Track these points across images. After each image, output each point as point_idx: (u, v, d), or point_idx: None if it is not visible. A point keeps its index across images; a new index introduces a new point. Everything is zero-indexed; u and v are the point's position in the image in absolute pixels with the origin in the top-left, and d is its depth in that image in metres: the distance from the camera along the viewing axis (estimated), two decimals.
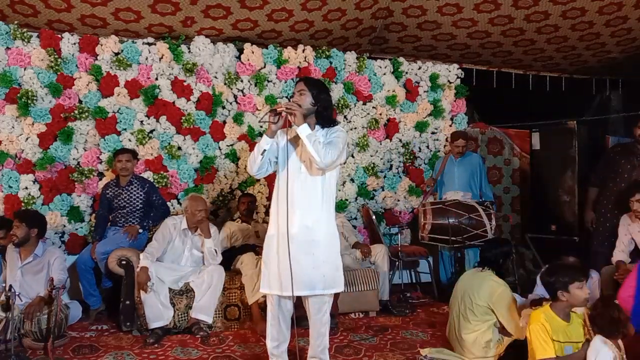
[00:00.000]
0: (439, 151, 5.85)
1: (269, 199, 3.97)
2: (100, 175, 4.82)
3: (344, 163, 5.04)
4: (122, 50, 4.85)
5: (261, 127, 5.16)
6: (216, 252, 4.09)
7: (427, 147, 5.83)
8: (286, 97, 5.24)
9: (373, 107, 5.63)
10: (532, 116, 5.88)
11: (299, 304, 2.90)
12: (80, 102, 4.76)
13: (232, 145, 5.17)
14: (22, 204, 4.52)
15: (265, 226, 3.06)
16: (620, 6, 4.60)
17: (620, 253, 4.10)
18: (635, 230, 4.12)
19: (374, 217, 5.21)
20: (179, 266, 4.10)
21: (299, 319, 3.14)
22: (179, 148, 4.97)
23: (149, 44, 4.95)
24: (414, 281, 5.51)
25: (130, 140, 4.83)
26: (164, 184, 4.87)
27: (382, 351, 3.58)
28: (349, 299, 4.27)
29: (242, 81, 5.19)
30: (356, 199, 5.56)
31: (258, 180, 5.12)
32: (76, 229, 4.74)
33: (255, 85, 5.23)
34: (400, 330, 4.07)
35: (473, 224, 4.69)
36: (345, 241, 4.77)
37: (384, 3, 4.68)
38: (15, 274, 3.75)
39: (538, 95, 6.39)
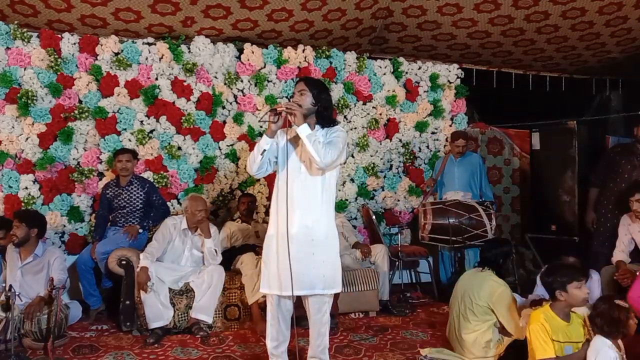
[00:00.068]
0: (439, 151, 5.85)
1: (269, 199, 3.97)
2: (100, 175, 4.82)
3: (344, 163, 5.04)
4: (122, 50, 4.85)
5: (261, 127, 5.16)
6: (216, 252, 4.09)
7: (427, 147, 5.83)
8: (286, 97, 5.24)
9: (373, 107, 5.63)
10: (532, 116, 5.87)
11: (298, 304, 2.90)
12: (80, 102, 4.76)
13: (232, 145, 5.17)
14: (22, 204, 4.52)
15: (265, 226, 3.06)
16: (620, 6, 4.60)
17: (621, 253, 4.10)
18: (636, 230, 4.12)
19: (374, 217, 5.21)
20: (179, 266, 4.10)
21: (299, 319, 3.14)
22: (179, 148, 4.97)
23: (149, 44, 4.95)
24: (414, 281, 5.51)
25: (130, 140, 4.83)
26: (164, 184, 4.87)
27: (382, 351, 3.58)
28: (349, 299, 4.27)
29: (242, 81, 5.19)
30: (356, 199, 5.56)
31: (258, 180, 5.12)
32: (76, 229, 4.74)
33: (255, 85, 5.23)
34: (400, 330, 4.07)
35: (473, 224, 4.69)
36: (345, 241, 4.77)
37: (384, 3, 4.68)
38: (15, 274, 3.75)
39: (538, 95, 6.39)
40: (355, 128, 5.54)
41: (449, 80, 5.93)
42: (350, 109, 5.53)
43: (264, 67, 5.25)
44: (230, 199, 5.16)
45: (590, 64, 6.15)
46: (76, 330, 3.94)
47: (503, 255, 3.55)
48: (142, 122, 4.89)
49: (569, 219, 5.31)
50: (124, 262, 3.96)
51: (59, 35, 4.72)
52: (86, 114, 4.71)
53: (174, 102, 4.96)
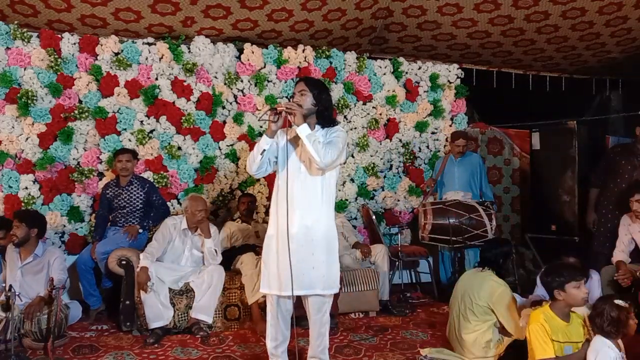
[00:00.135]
0: (439, 151, 5.85)
1: (269, 199, 3.97)
2: (100, 175, 4.82)
3: (344, 163, 5.04)
4: (122, 50, 4.85)
5: (261, 127, 5.16)
6: (216, 252, 4.09)
7: (427, 147, 5.83)
8: (286, 97, 5.24)
9: (373, 107, 5.63)
10: (532, 116, 5.87)
11: (298, 304, 2.90)
12: (80, 102, 4.76)
13: (232, 145, 5.17)
14: (22, 204, 4.52)
15: (265, 226, 3.06)
16: (620, 6, 4.60)
17: (621, 253, 4.09)
18: (636, 230, 4.12)
19: (374, 217, 5.21)
20: (179, 266, 4.10)
21: (299, 319, 3.14)
22: (179, 148, 4.97)
23: (149, 44, 4.95)
24: (414, 281, 5.51)
25: (130, 140, 4.83)
26: (164, 184, 4.87)
27: (382, 351, 3.58)
28: (349, 299, 4.27)
29: (242, 81, 5.19)
30: (356, 199, 5.56)
31: (258, 180, 5.12)
32: (76, 229, 4.74)
33: (255, 85, 5.23)
34: (400, 330, 4.07)
35: (473, 224, 4.69)
36: (345, 241, 4.77)
37: (384, 3, 4.68)
38: (15, 274, 3.75)
39: (538, 95, 6.39)
40: (355, 128, 5.54)
41: (449, 80, 5.93)
42: (350, 109, 5.53)
43: (264, 67, 5.25)
44: (230, 199, 5.16)
45: (590, 64, 6.15)
46: (76, 330, 3.94)
47: (503, 255, 3.55)
48: (142, 122, 4.89)
49: (569, 219, 5.31)
50: (124, 262, 3.96)
51: (59, 35, 4.72)
52: (86, 114, 4.71)
53: (174, 102, 4.96)
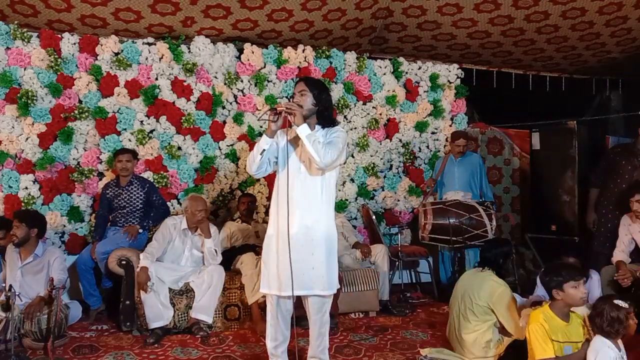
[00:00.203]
0: (439, 151, 5.85)
1: (269, 199, 3.97)
2: (100, 175, 4.82)
3: (344, 163, 5.04)
4: (122, 50, 4.85)
5: (261, 127, 5.16)
6: (216, 252, 4.09)
7: (427, 147, 5.83)
8: (286, 97, 5.24)
9: (373, 107, 5.63)
10: (532, 116, 5.87)
11: (298, 304, 2.90)
12: (80, 102, 4.76)
13: (232, 145, 5.17)
14: (22, 204, 4.52)
15: (265, 226, 3.06)
16: (620, 6, 4.60)
17: (621, 253, 4.09)
18: (636, 230, 4.12)
19: (374, 217, 5.21)
20: (179, 266, 4.10)
21: (299, 319, 3.14)
22: (179, 148, 4.97)
23: (149, 44, 4.95)
24: (414, 281, 5.51)
25: (130, 140, 4.83)
26: (164, 184, 4.87)
27: (382, 351, 3.58)
28: (349, 299, 4.27)
29: (242, 81, 5.19)
30: (356, 199, 5.56)
31: (258, 180, 5.12)
32: (76, 229, 4.74)
33: (255, 85, 5.23)
34: (400, 330, 4.07)
35: (473, 224, 4.69)
36: (345, 241, 4.77)
37: (384, 3, 4.68)
38: (15, 274, 3.75)
39: (538, 95, 6.39)
40: (355, 128, 5.54)
41: (449, 80, 5.93)
42: (350, 109, 5.53)
43: (264, 67, 5.25)
44: (230, 199, 5.16)
45: (590, 64, 6.15)
46: (76, 330, 3.94)
47: (503, 255, 3.55)
48: (142, 122, 4.89)
49: (569, 219, 5.31)
50: (124, 262, 3.96)
51: (59, 35, 4.72)
52: (86, 114, 4.71)
53: (174, 102, 4.96)
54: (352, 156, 5.54)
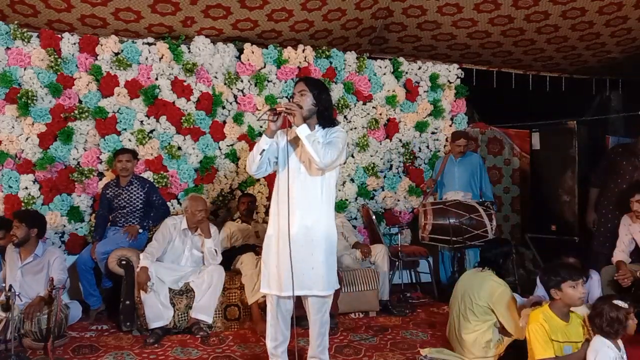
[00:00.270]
0: (439, 151, 5.85)
1: (269, 199, 3.97)
2: (100, 175, 4.82)
3: (344, 163, 5.04)
4: (122, 50, 4.85)
5: (261, 127, 5.16)
6: (216, 252, 4.09)
7: (427, 147, 5.83)
8: (286, 97, 5.24)
9: (373, 107, 5.63)
10: (532, 116, 5.87)
11: (298, 304, 2.90)
12: (80, 102, 4.76)
13: (232, 145, 5.17)
14: (22, 204, 4.52)
15: (265, 226, 3.06)
16: (620, 6, 4.60)
17: (621, 253, 4.09)
18: (636, 230, 4.12)
19: (374, 217, 5.21)
20: (179, 266, 4.10)
21: (299, 319, 3.14)
22: (179, 148, 4.97)
23: (149, 44, 4.95)
24: (414, 281, 5.51)
25: (130, 140, 4.83)
26: (164, 184, 4.87)
27: (382, 351, 3.58)
28: (349, 299, 4.27)
29: (242, 81, 5.19)
30: (356, 199, 5.56)
31: (258, 180, 5.12)
32: (76, 229, 4.74)
33: (255, 85, 5.23)
34: (400, 330, 4.07)
35: (474, 224, 4.69)
36: (345, 241, 4.77)
37: (384, 3, 4.68)
38: (15, 274, 3.75)
39: (538, 95, 6.39)
40: (355, 128, 5.54)
41: (449, 80, 5.93)
42: (350, 109, 5.53)
43: (264, 67, 5.25)
44: (230, 199, 5.16)
45: (590, 64, 6.15)
46: (76, 330, 3.94)
47: (503, 255, 3.55)
48: (142, 122, 4.89)
49: (569, 219, 5.31)
50: (124, 262, 3.97)
51: (59, 35, 4.72)
52: (86, 114, 4.72)
53: (174, 102, 4.96)
54: (352, 156, 5.54)
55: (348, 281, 4.33)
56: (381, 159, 5.62)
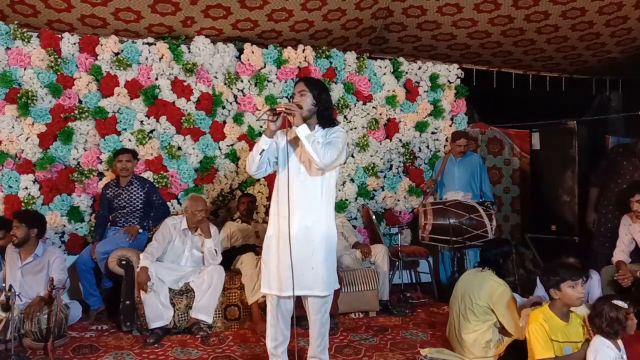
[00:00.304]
0: (439, 151, 5.85)
1: (269, 199, 3.97)
2: (100, 175, 4.82)
3: (344, 163, 5.04)
4: (122, 50, 4.85)
5: (261, 127, 5.16)
6: (216, 252, 4.09)
7: (427, 147, 5.83)
8: (286, 97, 5.24)
9: (373, 107, 5.63)
10: (532, 116, 5.87)
11: (298, 304, 2.90)
12: (80, 102, 4.76)
13: (232, 145, 5.17)
14: (22, 204, 4.52)
15: (265, 226, 3.07)
16: (620, 6, 4.60)
17: (621, 253, 4.09)
18: (636, 230, 4.12)
19: (374, 217, 5.21)
20: (179, 266, 4.10)
21: (299, 319, 3.14)
22: (179, 148, 4.97)
23: (149, 44, 4.95)
24: (414, 281, 5.51)
25: (130, 140, 4.83)
26: (164, 184, 4.87)
27: (382, 351, 3.58)
28: (349, 299, 4.27)
29: (242, 81, 5.19)
30: (356, 199, 5.56)
31: (258, 180, 5.12)
32: (76, 229, 4.74)
33: (255, 85, 5.23)
34: (400, 330, 4.07)
35: (474, 225, 4.69)
36: (345, 241, 4.77)
37: (384, 3, 4.68)
38: (15, 274, 3.75)
39: (538, 95, 6.39)
40: (355, 128, 5.54)
41: (449, 80, 5.93)
42: (350, 109, 5.53)
43: (264, 67, 5.25)
44: (230, 199, 5.16)
45: (590, 64, 6.15)
46: (76, 330, 3.94)
47: (503, 255, 3.55)
48: (142, 122, 4.89)
49: (569, 219, 5.31)
50: (124, 262, 3.97)
51: (59, 35, 4.72)
52: (86, 114, 4.72)
53: (174, 102, 4.96)
54: (352, 156, 5.54)
55: (348, 281, 4.33)
56: (381, 159, 5.62)
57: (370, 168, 5.54)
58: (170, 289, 3.94)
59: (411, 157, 5.74)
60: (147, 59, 4.91)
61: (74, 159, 4.73)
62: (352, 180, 5.55)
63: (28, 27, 4.63)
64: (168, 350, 3.59)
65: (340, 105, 5.43)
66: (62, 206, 4.66)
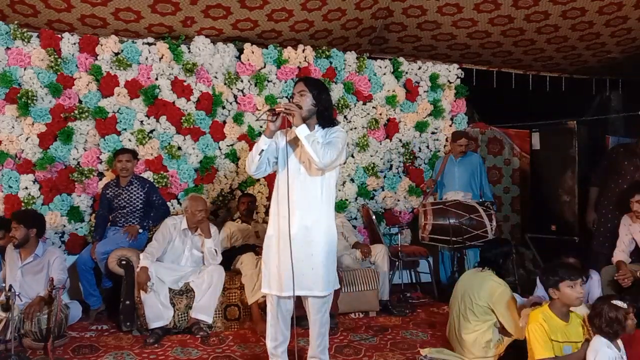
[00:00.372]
0: (439, 151, 5.85)
1: (269, 199, 3.98)
2: (100, 175, 4.82)
3: (344, 163, 5.04)
4: (122, 50, 4.85)
5: (261, 127, 5.16)
6: (216, 252, 4.09)
7: (427, 147, 5.83)
8: (286, 97, 5.24)
9: (373, 107, 5.63)
10: (532, 116, 5.87)
11: (298, 304, 2.90)
12: (80, 102, 4.77)
13: (232, 145, 5.17)
14: (22, 204, 4.52)
15: (265, 226, 3.07)
16: (620, 6, 4.60)
17: (621, 253, 4.09)
18: (636, 230, 4.12)
19: (374, 217, 5.21)
20: (179, 266, 4.10)
21: (299, 319, 3.15)
22: (179, 148, 4.97)
23: (149, 44, 4.95)
24: (414, 281, 5.51)
25: (130, 140, 4.83)
26: (164, 184, 4.87)
27: (382, 351, 3.58)
28: (349, 299, 4.27)
29: (242, 81, 5.19)
30: (356, 199, 5.56)
31: (258, 180, 5.12)
32: (76, 229, 4.74)
33: (255, 85, 5.23)
34: (400, 330, 4.07)
35: (473, 225, 4.69)
36: (345, 241, 4.77)
37: (384, 3, 4.68)
38: (15, 274, 3.75)
39: (538, 95, 6.39)
40: (355, 128, 5.54)
41: (449, 80, 5.93)
42: (350, 109, 5.53)
43: (264, 67, 5.25)
44: (230, 199, 5.16)
45: (590, 64, 6.15)
46: (76, 330, 3.94)
47: (503, 255, 3.55)
48: (142, 122, 4.89)
49: (569, 219, 5.31)
50: (124, 262, 3.97)
51: (59, 35, 4.72)
52: (86, 114, 4.72)
53: (174, 102, 4.96)
54: (352, 156, 5.54)
55: (348, 281, 4.33)
56: (381, 159, 5.62)
57: (370, 168, 5.54)
58: (170, 289, 3.94)
59: (411, 157, 5.74)
60: (147, 59, 4.91)
61: (74, 159, 4.73)
62: (352, 180, 5.55)
63: (28, 27, 4.63)
64: (168, 350, 3.59)
65: (340, 105, 5.43)
66: (62, 206, 4.66)
